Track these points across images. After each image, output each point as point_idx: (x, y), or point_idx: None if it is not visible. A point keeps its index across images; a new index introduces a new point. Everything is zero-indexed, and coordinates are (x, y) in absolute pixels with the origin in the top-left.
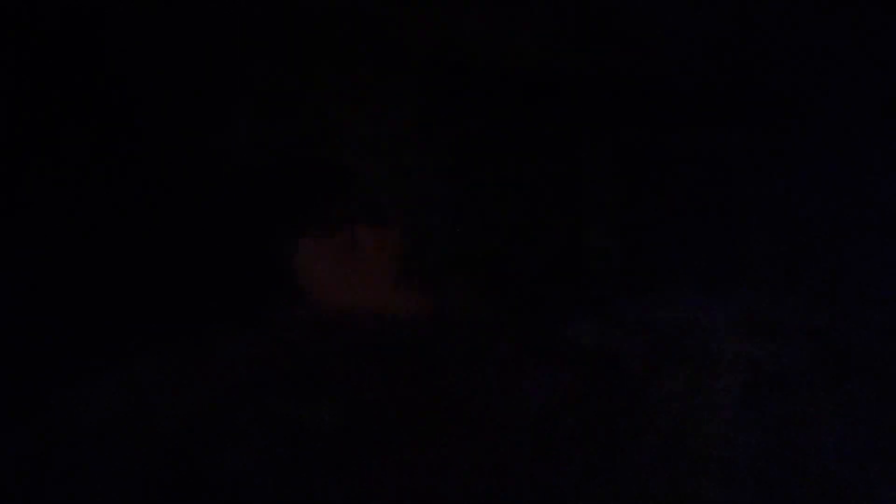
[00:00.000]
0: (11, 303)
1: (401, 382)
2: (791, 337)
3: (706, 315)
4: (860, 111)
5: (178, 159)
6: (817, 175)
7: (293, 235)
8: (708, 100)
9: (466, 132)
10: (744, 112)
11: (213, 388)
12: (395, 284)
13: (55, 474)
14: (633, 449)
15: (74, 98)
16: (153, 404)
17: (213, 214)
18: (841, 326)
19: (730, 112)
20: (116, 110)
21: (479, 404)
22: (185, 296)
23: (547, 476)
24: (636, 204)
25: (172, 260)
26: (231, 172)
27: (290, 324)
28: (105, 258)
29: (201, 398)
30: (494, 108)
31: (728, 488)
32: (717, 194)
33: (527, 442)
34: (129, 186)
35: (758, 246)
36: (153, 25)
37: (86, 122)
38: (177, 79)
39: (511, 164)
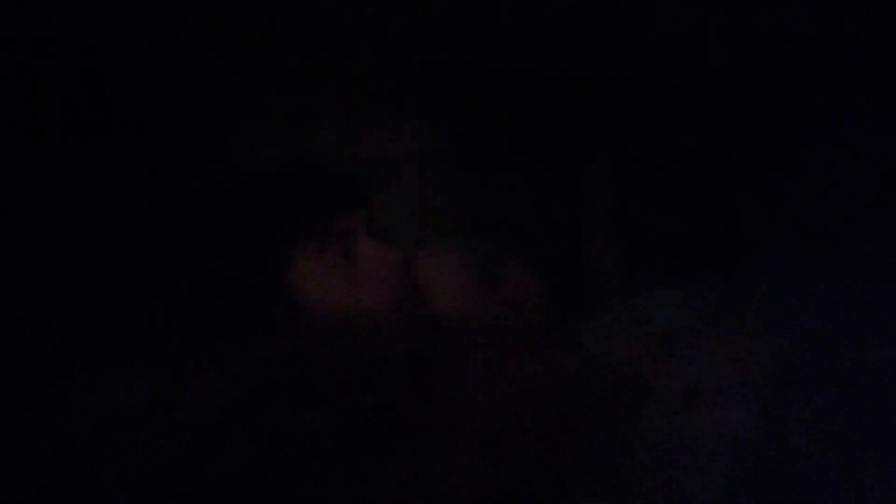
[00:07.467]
0: (8, 304)
1: (398, 389)
2: (797, 338)
3: (710, 315)
4: (860, 112)
5: (179, 164)
6: (825, 175)
7: (292, 244)
8: (710, 100)
9: (466, 138)
10: (747, 112)
11: (208, 395)
12: (392, 292)
13: (48, 478)
14: (633, 449)
15: (73, 101)
16: (148, 409)
17: (213, 220)
18: (848, 330)
19: (733, 112)
20: (117, 114)
21: (477, 409)
22: (181, 301)
23: (546, 479)
24: (636, 203)
25: (170, 265)
26: (231, 179)
27: (286, 333)
28: (102, 262)
29: (197, 403)
30: (494, 110)
31: (729, 490)
32: (722, 194)
33: (525, 445)
34: (128, 190)
35: (761, 246)
36: (153, 26)
37: (85, 125)
38: (178, 84)
39: (511, 167)
